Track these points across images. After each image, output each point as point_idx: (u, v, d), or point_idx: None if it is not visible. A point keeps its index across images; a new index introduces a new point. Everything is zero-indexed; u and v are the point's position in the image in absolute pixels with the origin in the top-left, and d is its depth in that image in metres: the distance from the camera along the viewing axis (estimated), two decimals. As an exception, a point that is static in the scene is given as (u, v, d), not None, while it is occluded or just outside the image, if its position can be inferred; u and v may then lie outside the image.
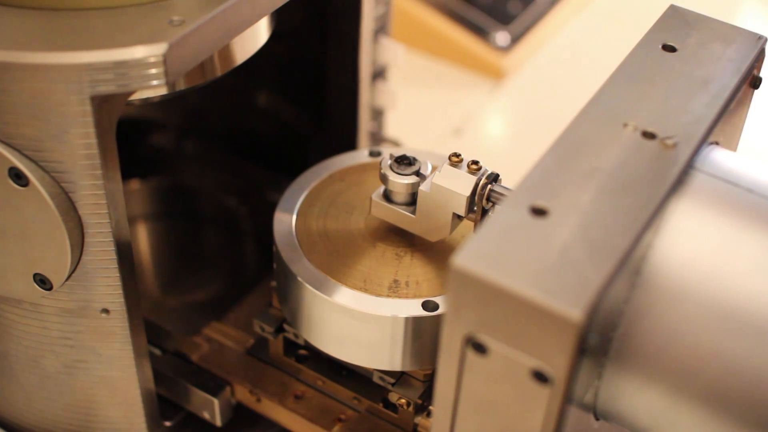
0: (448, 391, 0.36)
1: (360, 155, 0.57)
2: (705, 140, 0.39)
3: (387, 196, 0.50)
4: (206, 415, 0.56)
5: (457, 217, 0.48)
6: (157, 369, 0.53)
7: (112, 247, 0.45)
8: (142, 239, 0.73)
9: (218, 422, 0.56)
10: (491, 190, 0.47)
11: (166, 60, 0.40)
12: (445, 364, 0.36)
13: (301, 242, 0.51)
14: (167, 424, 0.56)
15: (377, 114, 0.69)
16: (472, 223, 0.50)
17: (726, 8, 1.03)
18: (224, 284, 0.69)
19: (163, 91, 0.47)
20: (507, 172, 0.49)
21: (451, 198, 0.47)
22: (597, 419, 0.41)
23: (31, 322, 0.49)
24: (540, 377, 0.33)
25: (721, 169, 0.39)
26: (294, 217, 0.52)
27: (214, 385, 0.55)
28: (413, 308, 0.48)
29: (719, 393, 0.35)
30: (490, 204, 0.47)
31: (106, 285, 0.46)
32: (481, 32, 0.93)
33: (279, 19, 0.54)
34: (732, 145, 0.46)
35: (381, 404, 0.53)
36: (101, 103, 0.41)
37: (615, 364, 0.37)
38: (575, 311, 0.31)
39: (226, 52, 0.50)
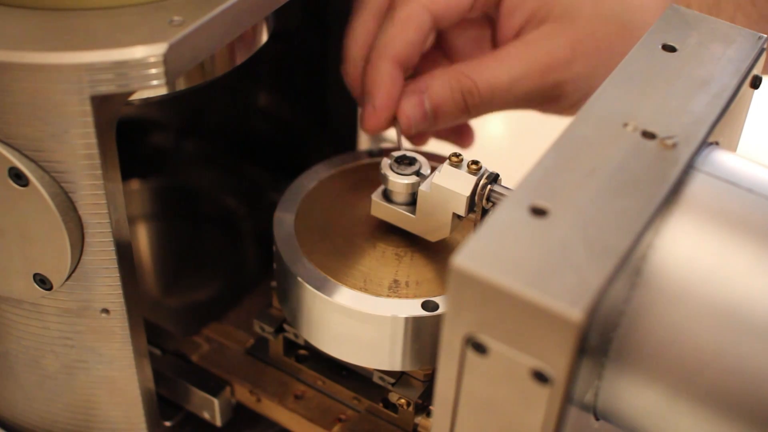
0: (448, 391, 0.36)
1: (360, 155, 0.57)
2: (705, 140, 0.39)
3: (387, 196, 0.50)
4: (206, 415, 0.56)
5: (457, 217, 0.48)
6: (157, 369, 0.53)
7: (112, 247, 0.45)
8: (142, 239, 0.73)
9: (218, 422, 0.56)
10: (491, 190, 0.47)
11: (166, 60, 0.40)
12: (445, 364, 0.36)
13: (301, 242, 0.51)
14: (167, 424, 0.56)
15: (377, 114, 0.69)
16: (472, 223, 0.50)
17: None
18: (224, 284, 0.69)
19: (163, 91, 0.47)
20: (507, 172, 0.49)
21: (451, 198, 0.47)
22: (597, 419, 0.41)
23: (31, 322, 0.49)
24: (540, 377, 0.33)
25: (721, 169, 0.39)
26: (294, 217, 0.52)
27: (214, 385, 0.55)
28: (413, 308, 0.47)
29: (719, 393, 0.35)
30: (490, 204, 0.47)
31: (106, 285, 0.46)
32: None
33: (279, 19, 0.54)
34: (732, 145, 0.46)
35: (381, 404, 0.53)
36: (101, 103, 0.41)
37: (615, 364, 0.37)
38: (575, 311, 0.31)
39: (226, 51, 0.50)
